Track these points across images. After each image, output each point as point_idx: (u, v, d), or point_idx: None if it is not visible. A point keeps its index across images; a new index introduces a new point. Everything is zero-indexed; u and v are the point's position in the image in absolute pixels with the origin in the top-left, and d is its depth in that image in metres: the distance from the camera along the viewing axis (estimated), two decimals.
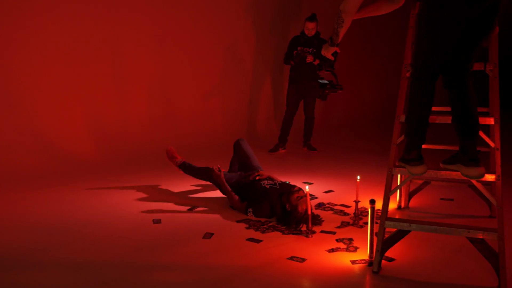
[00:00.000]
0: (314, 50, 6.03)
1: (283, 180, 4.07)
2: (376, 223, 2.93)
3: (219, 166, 3.97)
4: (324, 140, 7.09)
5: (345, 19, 2.77)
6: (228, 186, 3.85)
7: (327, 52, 2.98)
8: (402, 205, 3.90)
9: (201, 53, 6.75)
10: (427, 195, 4.18)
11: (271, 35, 7.60)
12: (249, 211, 3.68)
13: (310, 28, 6.02)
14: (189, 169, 4.21)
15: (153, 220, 3.58)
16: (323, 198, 4.20)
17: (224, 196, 4.08)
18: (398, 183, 3.72)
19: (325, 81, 3.15)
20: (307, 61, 5.97)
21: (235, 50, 7.16)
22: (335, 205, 4.01)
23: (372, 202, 2.86)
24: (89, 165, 5.21)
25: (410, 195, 3.95)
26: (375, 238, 2.85)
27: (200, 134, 6.53)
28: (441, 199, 4.18)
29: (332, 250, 3.04)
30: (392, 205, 3.92)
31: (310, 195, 4.13)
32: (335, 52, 2.99)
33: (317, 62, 5.96)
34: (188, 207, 3.90)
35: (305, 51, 6.06)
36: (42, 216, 3.66)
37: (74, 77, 5.53)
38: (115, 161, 5.44)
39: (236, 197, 3.80)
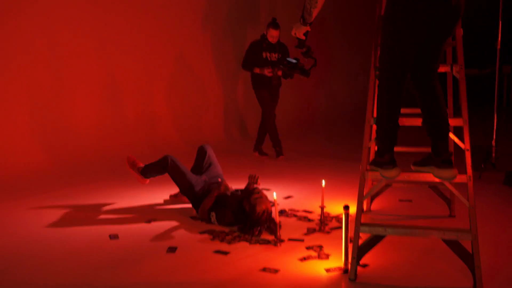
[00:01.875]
0: (280, 55, 5.96)
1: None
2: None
3: (224, 181, 3.90)
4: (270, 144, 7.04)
5: None
6: (212, 199, 3.69)
7: (299, 32, 2.95)
8: (365, 208, 3.92)
9: (150, 57, 6.51)
10: (386, 197, 4.22)
11: (225, 38, 7.47)
12: (212, 215, 3.58)
13: (275, 36, 5.88)
14: (149, 169, 4.00)
15: (109, 235, 3.36)
16: (284, 204, 4.15)
17: (184, 206, 3.92)
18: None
19: (293, 60, 3.06)
20: (281, 75, 5.88)
21: (185, 54, 6.98)
22: (298, 211, 3.96)
23: (346, 208, 2.82)
24: (33, 178, 4.82)
25: (372, 198, 3.97)
26: (350, 245, 2.81)
27: (152, 141, 6.26)
28: (400, 200, 4.25)
29: (304, 259, 2.98)
30: (353, 209, 3.91)
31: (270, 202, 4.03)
32: (306, 31, 2.95)
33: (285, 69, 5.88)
34: (147, 220, 3.71)
35: (271, 59, 5.92)
36: None
37: (15, 83, 5.14)
38: (62, 172, 5.10)
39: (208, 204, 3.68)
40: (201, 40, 7.21)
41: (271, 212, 3.45)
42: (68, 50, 5.60)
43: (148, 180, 4.09)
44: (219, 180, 4.01)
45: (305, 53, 3.08)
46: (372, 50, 3.00)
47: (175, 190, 4.23)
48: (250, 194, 3.49)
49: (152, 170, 4.00)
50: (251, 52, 6.02)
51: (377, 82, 2.87)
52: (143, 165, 4.05)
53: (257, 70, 5.96)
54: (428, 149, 2.81)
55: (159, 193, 4.42)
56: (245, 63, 6.08)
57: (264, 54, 5.96)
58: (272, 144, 6.21)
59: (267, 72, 5.89)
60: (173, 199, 4.23)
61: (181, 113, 6.93)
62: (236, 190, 3.83)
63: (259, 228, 3.35)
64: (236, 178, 4.82)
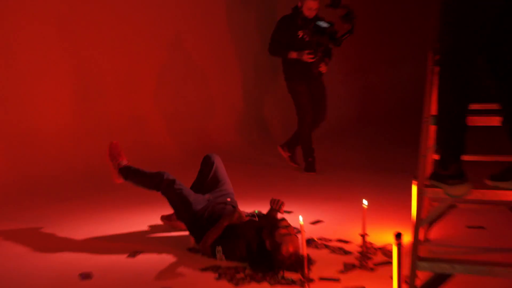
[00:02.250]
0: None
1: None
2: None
3: (240, 211, 3.78)
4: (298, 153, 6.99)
5: None
6: (219, 231, 3.64)
7: None
8: (421, 237, 3.78)
9: (135, 42, 6.53)
10: (449, 222, 4.12)
11: (241, 12, 7.49)
12: (218, 251, 3.54)
13: (313, 8, 5.68)
14: (134, 175, 4.02)
15: (80, 274, 3.33)
16: (312, 231, 4.08)
17: (180, 233, 3.94)
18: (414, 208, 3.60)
19: (324, 24, 2.92)
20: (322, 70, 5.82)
21: (182, 39, 6.99)
22: (330, 240, 3.89)
23: (398, 236, 2.69)
24: None
25: (429, 223, 3.84)
26: (404, 287, 2.69)
27: (140, 148, 6.27)
28: (468, 227, 4.15)
29: None
30: (406, 238, 3.79)
31: (294, 228, 3.94)
32: None
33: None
34: (130, 253, 3.68)
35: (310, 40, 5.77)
36: None
37: None
38: (25, 188, 5.13)
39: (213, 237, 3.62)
40: (205, 18, 7.20)
41: (298, 256, 3.33)
42: (25, 35, 5.58)
43: (122, 180, 4.12)
44: (228, 199, 3.96)
45: (344, 17, 3.00)
46: (429, 26, 2.93)
47: (167, 211, 4.16)
48: (275, 227, 3.41)
49: (137, 180, 4.03)
50: (282, 31, 5.90)
51: (436, 69, 2.82)
52: (126, 164, 4.08)
53: (293, 55, 5.79)
54: (509, 158, 2.71)
55: (147, 216, 4.41)
56: (274, 45, 5.96)
57: (300, 33, 5.81)
58: (303, 154, 6.12)
59: (306, 57, 5.75)
60: (166, 222, 4.20)
61: (178, 113, 6.96)
62: (253, 215, 3.76)
63: (274, 273, 3.26)
64: (250, 196, 4.74)
